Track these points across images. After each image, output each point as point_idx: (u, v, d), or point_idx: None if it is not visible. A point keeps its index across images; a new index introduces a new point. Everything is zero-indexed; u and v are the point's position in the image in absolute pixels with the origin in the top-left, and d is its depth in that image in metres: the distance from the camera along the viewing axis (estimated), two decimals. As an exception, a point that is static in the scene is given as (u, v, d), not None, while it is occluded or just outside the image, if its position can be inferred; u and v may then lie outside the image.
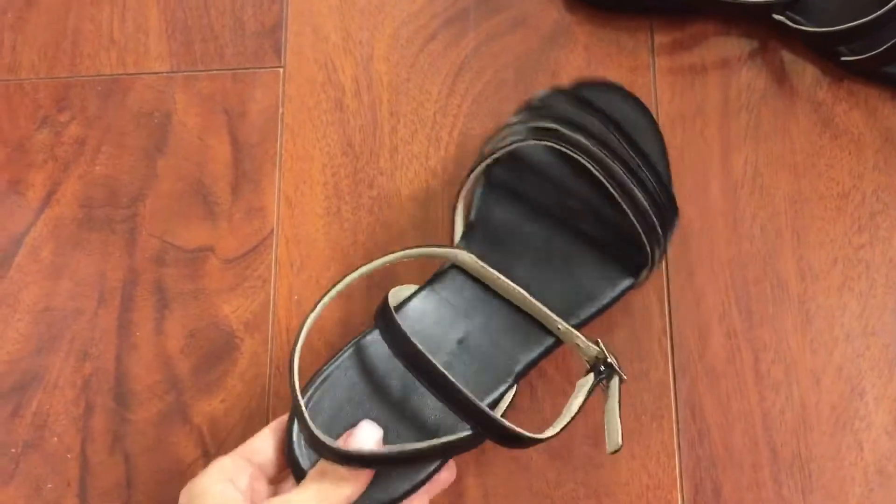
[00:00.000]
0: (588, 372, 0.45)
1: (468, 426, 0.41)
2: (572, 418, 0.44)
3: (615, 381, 0.44)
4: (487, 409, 0.41)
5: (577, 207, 0.49)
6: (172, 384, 0.53)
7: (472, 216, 0.49)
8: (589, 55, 0.57)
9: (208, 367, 0.54)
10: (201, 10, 0.60)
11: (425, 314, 0.47)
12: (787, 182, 0.53)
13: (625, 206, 0.45)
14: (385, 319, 0.43)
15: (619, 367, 0.45)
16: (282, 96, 0.58)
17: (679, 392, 0.50)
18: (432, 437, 0.43)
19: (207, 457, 0.52)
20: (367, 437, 0.42)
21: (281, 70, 0.58)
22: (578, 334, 0.46)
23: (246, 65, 0.59)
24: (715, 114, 0.54)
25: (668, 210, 0.48)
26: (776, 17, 0.53)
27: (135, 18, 0.60)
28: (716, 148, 0.54)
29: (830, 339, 0.50)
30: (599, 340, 0.45)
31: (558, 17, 0.57)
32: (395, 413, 0.45)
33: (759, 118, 0.54)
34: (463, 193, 0.49)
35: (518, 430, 0.41)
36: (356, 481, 0.41)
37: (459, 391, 0.40)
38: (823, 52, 0.54)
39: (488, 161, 0.48)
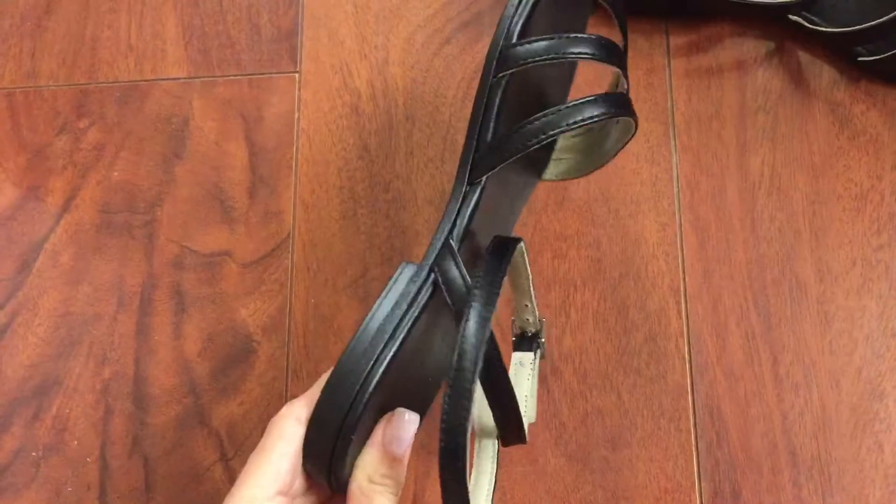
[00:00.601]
0: (519, 343, 0.44)
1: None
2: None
3: (537, 357, 0.44)
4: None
5: None
6: (190, 388, 0.54)
7: None
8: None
9: (226, 370, 0.54)
10: (218, 16, 0.61)
11: None
12: (805, 183, 0.52)
13: None
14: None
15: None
16: (298, 101, 0.58)
17: (697, 394, 0.50)
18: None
19: (225, 460, 0.52)
20: (407, 426, 0.37)
21: (297, 75, 0.59)
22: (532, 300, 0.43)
23: (262, 70, 0.59)
24: (731, 115, 0.54)
25: None
26: (793, 17, 0.53)
27: (152, 25, 0.61)
28: (732, 149, 0.53)
29: (850, 341, 0.50)
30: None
31: (573, 20, 0.57)
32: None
33: (776, 119, 0.54)
34: None
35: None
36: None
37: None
38: (840, 52, 0.54)
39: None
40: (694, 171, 0.53)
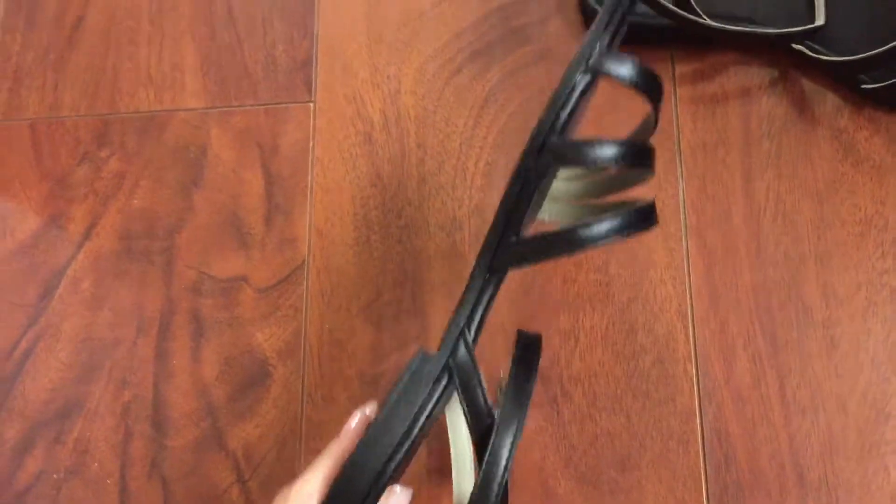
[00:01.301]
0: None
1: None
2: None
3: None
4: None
5: None
6: (208, 411, 0.55)
7: None
8: (612, 84, 0.58)
9: (243, 393, 0.55)
10: (235, 48, 0.62)
11: None
12: (810, 208, 0.53)
13: None
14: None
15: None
16: (312, 130, 0.60)
17: (705, 417, 0.51)
18: None
19: (242, 482, 0.53)
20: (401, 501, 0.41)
21: (312, 105, 0.60)
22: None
23: (278, 100, 0.61)
24: (737, 142, 0.55)
25: None
26: (796, 46, 0.54)
27: (171, 57, 0.63)
28: (738, 175, 0.54)
29: (855, 364, 0.50)
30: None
31: (581, 50, 0.59)
32: None
33: (780, 146, 0.55)
34: None
35: None
36: None
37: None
38: (844, 80, 0.55)
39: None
40: (700, 196, 0.54)
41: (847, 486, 0.48)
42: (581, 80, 0.39)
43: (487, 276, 0.39)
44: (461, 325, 0.39)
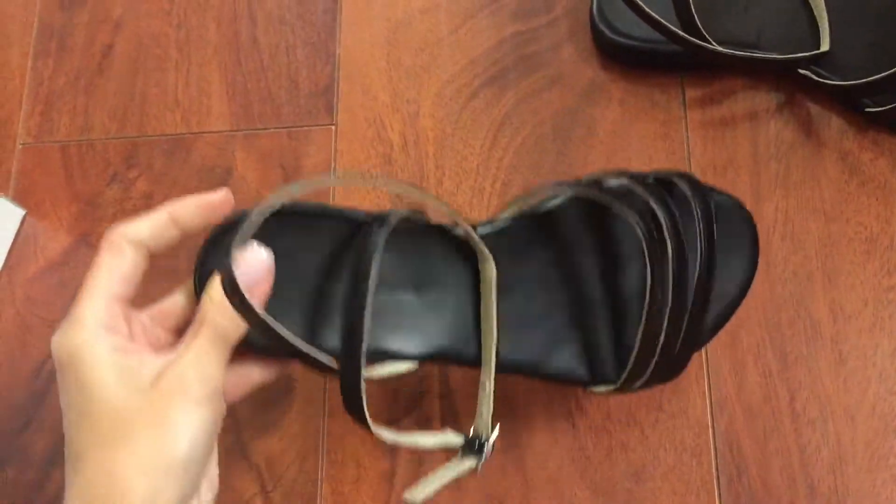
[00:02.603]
0: (467, 445, 0.45)
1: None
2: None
3: (471, 463, 0.44)
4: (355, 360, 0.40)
5: (604, 286, 0.46)
6: (232, 424, 0.56)
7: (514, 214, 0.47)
8: (624, 110, 0.60)
9: (266, 407, 0.56)
10: (259, 73, 0.65)
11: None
12: (818, 227, 0.55)
13: (642, 326, 0.41)
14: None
15: (485, 455, 0.44)
16: (334, 152, 0.62)
17: (717, 430, 0.52)
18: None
19: (265, 492, 0.55)
20: (257, 257, 0.39)
21: (333, 127, 0.62)
22: (489, 405, 0.45)
23: (301, 123, 0.63)
24: (746, 164, 0.57)
25: (676, 362, 0.44)
26: (802, 71, 0.56)
27: (198, 83, 0.65)
28: (747, 196, 0.56)
29: (864, 378, 0.52)
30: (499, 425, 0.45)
31: (593, 75, 0.61)
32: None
33: (788, 167, 0.56)
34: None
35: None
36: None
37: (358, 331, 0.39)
38: (848, 103, 0.57)
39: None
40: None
41: (857, 496, 0.50)
42: None
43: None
44: None
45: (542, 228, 0.47)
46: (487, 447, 0.44)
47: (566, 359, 0.45)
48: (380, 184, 0.51)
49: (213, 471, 0.39)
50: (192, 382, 0.35)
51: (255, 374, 0.41)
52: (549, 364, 0.45)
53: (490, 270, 0.45)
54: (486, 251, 0.45)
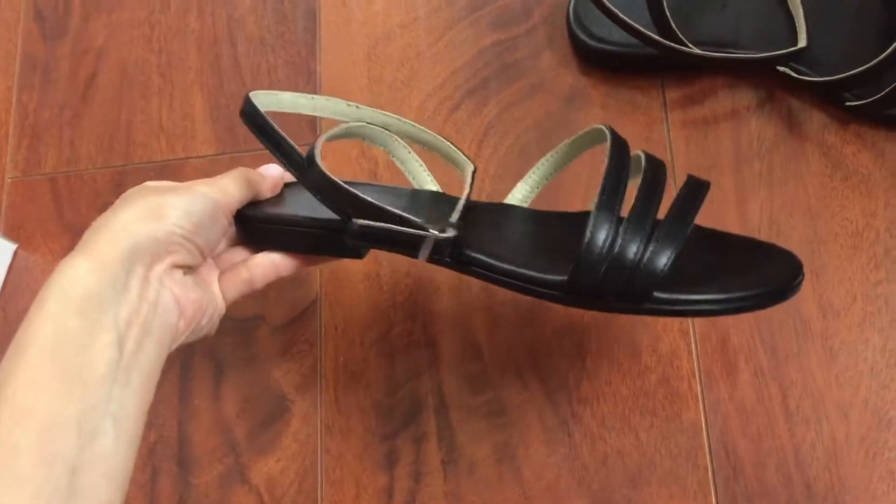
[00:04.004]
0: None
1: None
2: None
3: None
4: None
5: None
6: (231, 447, 0.57)
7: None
8: (606, 114, 0.60)
9: (263, 429, 0.57)
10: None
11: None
12: (803, 224, 0.55)
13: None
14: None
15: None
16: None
17: (712, 431, 0.52)
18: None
19: (266, 515, 0.55)
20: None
21: (318, 146, 0.62)
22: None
23: (285, 144, 0.63)
24: (728, 163, 0.57)
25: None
26: (781, 68, 0.56)
27: (181, 107, 0.65)
28: (731, 196, 0.56)
29: (855, 374, 0.52)
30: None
31: (574, 81, 0.61)
32: None
33: (771, 165, 0.56)
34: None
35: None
36: (257, 180, 0.46)
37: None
38: (829, 98, 0.57)
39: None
40: (696, 218, 0.56)
41: (853, 493, 0.50)
42: None
43: None
44: None
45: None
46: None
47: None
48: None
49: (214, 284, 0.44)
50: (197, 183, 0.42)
51: (279, 261, 0.46)
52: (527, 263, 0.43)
53: (469, 168, 0.49)
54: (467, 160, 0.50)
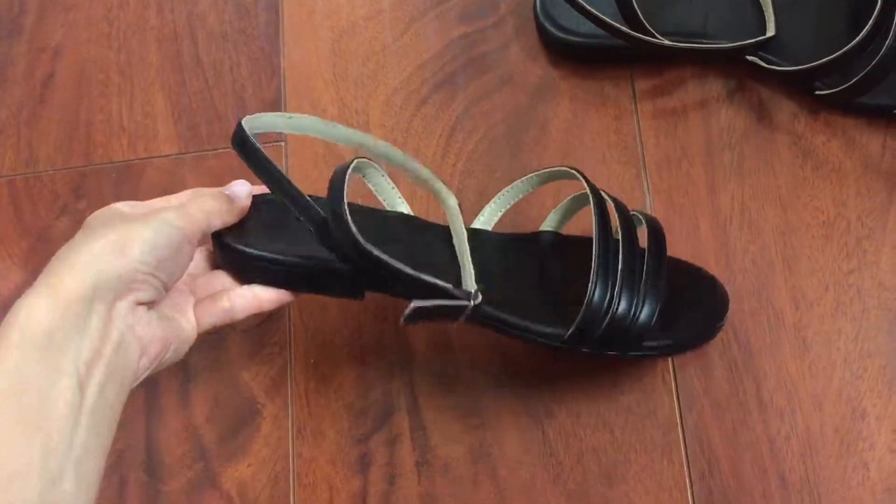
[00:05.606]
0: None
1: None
2: None
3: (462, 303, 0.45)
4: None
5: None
6: (200, 453, 0.56)
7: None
8: (575, 106, 0.59)
9: (233, 433, 0.56)
10: (204, 92, 0.64)
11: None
12: (774, 214, 0.55)
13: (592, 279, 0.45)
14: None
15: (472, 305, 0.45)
16: (286, 169, 0.61)
17: (686, 427, 0.52)
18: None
19: (238, 521, 0.54)
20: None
21: (283, 144, 0.61)
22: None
23: (250, 142, 0.62)
24: (699, 154, 0.56)
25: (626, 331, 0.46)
26: (750, 58, 0.55)
27: (142, 106, 0.64)
28: (702, 187, 0.56)
29: (829, 364, 0.52)
30: None
31: (542, 73, 0.60)
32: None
33: (741, 155, 0.56)
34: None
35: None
36: (226, 204, 0.45)
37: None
38: (798, 87, 0.56)
39: None
40: (667, 211, 0.55)
41: (828, 484, 0.50)
42: None
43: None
44: None
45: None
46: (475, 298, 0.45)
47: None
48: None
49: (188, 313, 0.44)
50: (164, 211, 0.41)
51: (263, 296, 0.45)
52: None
53: (452, 201, 0.51)
54: (445, 188, 0.52)
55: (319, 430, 0.55)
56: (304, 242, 0.45)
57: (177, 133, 0.63)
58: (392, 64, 0.62)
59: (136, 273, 0.38)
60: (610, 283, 0.45)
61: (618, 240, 0.47)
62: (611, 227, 0.47)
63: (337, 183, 0.43)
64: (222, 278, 0.46)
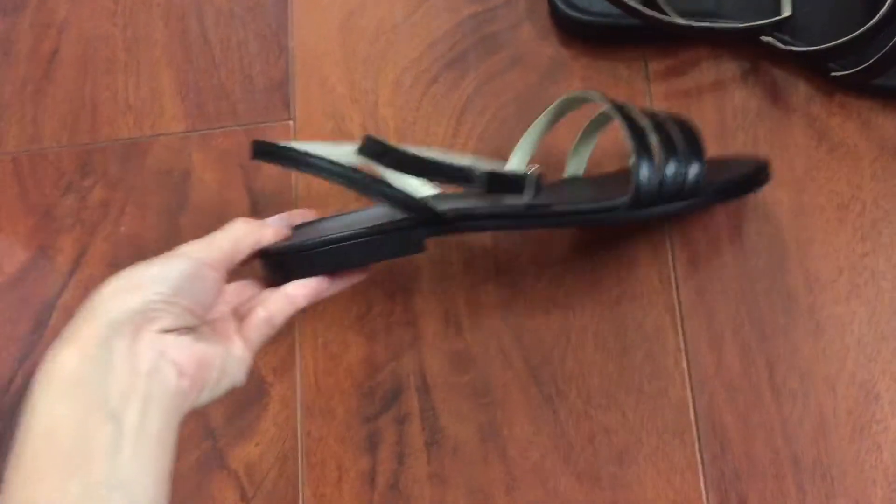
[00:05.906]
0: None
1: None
2: None
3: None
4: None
5: None
6: (208, 432, 0.55)
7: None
8: (587, 87, 0.59)
9: (241, 413, 0.55)
10: (211, 70, 0.63)
11: None
12: (789, 197, 0.54)
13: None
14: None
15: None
16: (294, 147, 0.60)
17: (698, 408, 0.52)
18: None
19: (246, 500, 0.54)
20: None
21: (291, 122, 0.61)
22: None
23: (258, 120, 0.61)
24: (713, 136, 0.56)
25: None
26: (765, 39, 0.55)
27: (149, 84, 0.63)
28: (716, 168, 0.55)
29: (842, 347, 0.51)
30: None
31: (554, 53, 0.60)
32: None
33: (755, 137, 0.56)
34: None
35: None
36: (257, 227, 0.46)
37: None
38: (813, 68, 0.56)
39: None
40: (680, 191, 0.55)
41: (841, 466, 0.49)
42: None
43: None
44: None
45: None
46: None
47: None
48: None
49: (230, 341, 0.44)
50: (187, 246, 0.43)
51: (294, 291, 0.46)
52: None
53: None
54: None
55: (328, 409, 0.55)
56: (361, 221, 0.48)
57: (183, 111, 0.62)
58: (402, 43, 0.61)
59: (150, 303, 0.39)
60: (651, 156, 0.46)
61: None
62: (638, 122, 0.48)
63: None
64: (249, 290, 0.47)
